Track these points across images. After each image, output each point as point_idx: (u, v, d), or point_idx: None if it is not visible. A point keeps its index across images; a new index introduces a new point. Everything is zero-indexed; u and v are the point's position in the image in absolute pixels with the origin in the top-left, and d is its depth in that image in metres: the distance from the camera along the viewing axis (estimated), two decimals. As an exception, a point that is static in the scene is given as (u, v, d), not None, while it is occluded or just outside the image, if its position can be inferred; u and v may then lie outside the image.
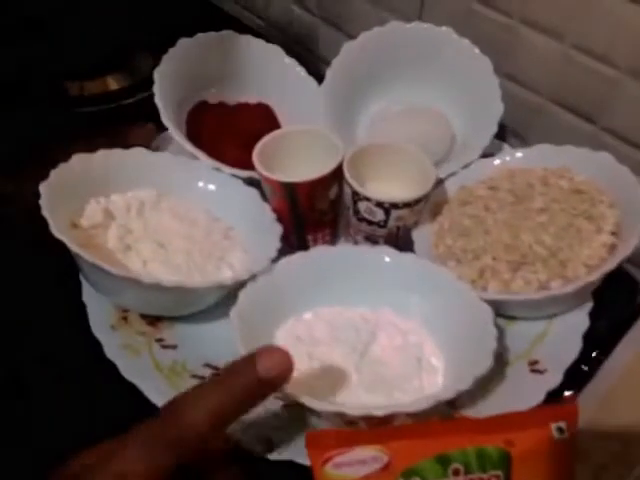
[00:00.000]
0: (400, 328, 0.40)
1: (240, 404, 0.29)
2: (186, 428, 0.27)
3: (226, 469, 0.31)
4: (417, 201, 0.42)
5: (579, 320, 0.40)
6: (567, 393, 0.39)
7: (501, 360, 0.39)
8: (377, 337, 0.40)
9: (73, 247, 0.35)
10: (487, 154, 0.49)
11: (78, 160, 0.42)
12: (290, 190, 0.42)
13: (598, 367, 0.40)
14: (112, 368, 0.38)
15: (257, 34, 0.55)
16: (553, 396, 0.37)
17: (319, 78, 0.53)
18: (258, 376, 0.28)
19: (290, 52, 0.55)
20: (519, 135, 0.56)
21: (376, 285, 0.41)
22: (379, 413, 0.31)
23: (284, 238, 0.43)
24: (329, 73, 0.52)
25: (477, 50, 0.50)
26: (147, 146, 0.49)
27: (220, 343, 0.39)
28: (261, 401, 0.30)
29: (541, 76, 0.51)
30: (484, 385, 0.37)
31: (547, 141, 0.50)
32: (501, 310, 0.40)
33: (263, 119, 0.54)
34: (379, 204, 0.41)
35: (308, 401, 0.32)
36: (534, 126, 0.54)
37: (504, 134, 0.54)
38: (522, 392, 0.37)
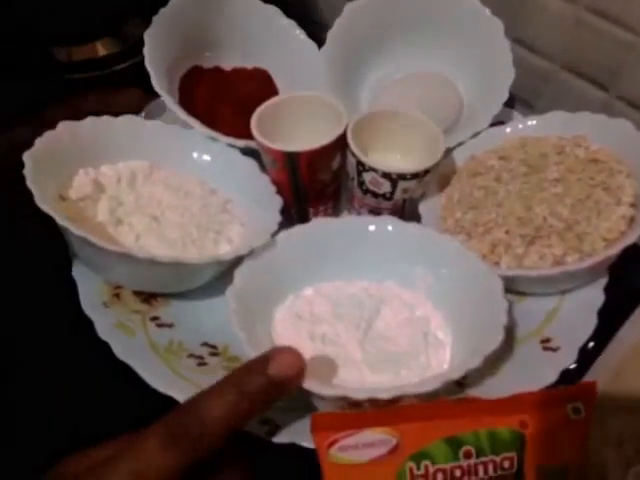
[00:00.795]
0: (406, 301, 0.39)
1: (255, 404, 0.29)
2: (205, 427, 0.27)
3: (234, 465, 0.30)
4: (426, 172, 0.40)
5: (594, 295, 0.38)
6: (572, 366, 0.37)
7: (511, 337, 0.37)
8: (381, 312, 0.38)
9: (61, 220, 0.33)
10: (495, 122, 0.47)
11: (64, 128, 0.39)
12: (292, 160, 0.40)
13: (608, 341, 0.38)
14: (105, 348, 0.36)
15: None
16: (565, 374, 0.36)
17: (318, 44, 0.50)
18: (270, 377, 0.29)
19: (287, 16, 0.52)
20: (527, 103, 0.53)
21: (379, 257, 0.40)
22: (385, 396, 0.30)
23: (284, 212, 0.41)
24: (330, 35, 0.49)
25: (488, 11, 0.47)
26: (136, 113, 0.47)
27: (218, 321, 0.38)
28: (276, 401, 0.30)
29: (552, 41, 0.49)
30: (494, 364, 0.36)
31: (556, 109, 0.48)
32: (513, 286, 0.38)
33: (260, 85, 0.51)
34: (385, 175, 0.39)
35: (310, 385, 0.30)
36: (543, 93, 0.52)
37: (511, 102, 0.52)
38: (534, 371, 0.35)
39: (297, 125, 0.43)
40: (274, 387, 0.29)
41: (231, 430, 0.28)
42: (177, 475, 0.27)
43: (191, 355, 0.37)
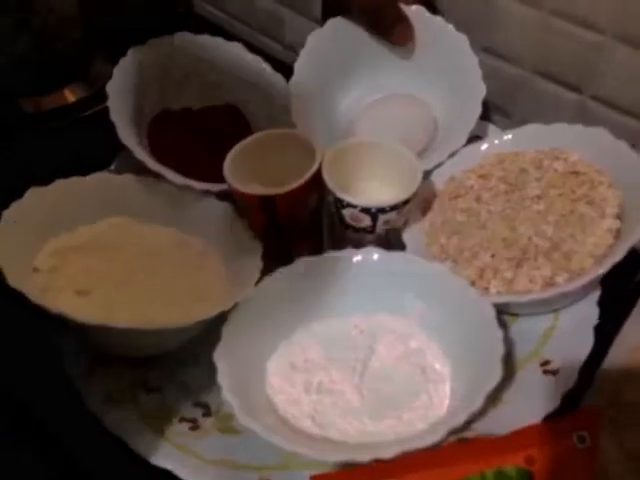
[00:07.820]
0: (399, 333, 0.38)
1: None
2: None
3: None
4: (405, 202, 0.39)
5: (588, 311, 0.37)
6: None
7: (511, 361, 0.36)
8: (375, 350, 0.37)
9: (34, 298, 0.32)
10: (473, 137, 0.46)
11: (32, 195, 0.38)
12: (268, 203, 0.39)
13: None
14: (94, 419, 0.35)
15: (218, 28, 0.51)
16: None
17: (290, 68, 0.49)
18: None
19: (256, 43, 0.51)
20: (503, 110, 0.53)
21: (367, 288, 0.39)
22: (388, 455, 0.29)
23: (265, 256, 0.40)
24: (297, 67, 0.48)
25: (451, 27, 0.46)
26: None
27: (208, 377, 0.37)
28: None
29: (521, 47, 0.48)
30: (496, 394, 0.34)
31: (533, 114, 0.47)
32: (505, 309, 0.37)
33: (232, 121, 0.51)
34: (364, 210, 0.38)
35: (310, 451, 0.29)
36: (518, 99, 0.51)
37: (487, 111, 0.51)
38: (536, 397, 0.34)
39: (273, 162, 0.42)
40: None
41: None
42: None
43: (182, 419, 0.35)
